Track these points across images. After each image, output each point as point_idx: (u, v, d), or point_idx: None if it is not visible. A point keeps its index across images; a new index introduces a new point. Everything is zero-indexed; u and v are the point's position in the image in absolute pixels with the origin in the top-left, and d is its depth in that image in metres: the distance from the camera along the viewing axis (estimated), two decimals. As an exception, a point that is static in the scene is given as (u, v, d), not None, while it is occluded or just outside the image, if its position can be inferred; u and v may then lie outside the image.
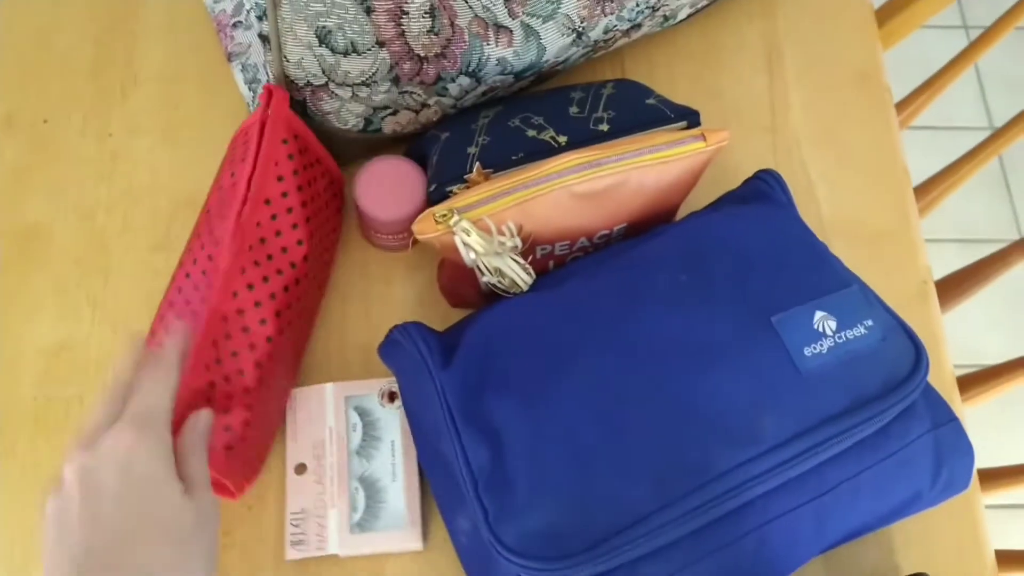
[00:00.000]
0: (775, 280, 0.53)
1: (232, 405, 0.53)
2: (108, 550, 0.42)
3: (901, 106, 0.93)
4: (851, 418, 0.49)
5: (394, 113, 0.61)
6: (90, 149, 0.68)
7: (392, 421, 0.59)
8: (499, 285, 0.54)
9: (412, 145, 0.65)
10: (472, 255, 0.53)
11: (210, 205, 0.59)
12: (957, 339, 1.52)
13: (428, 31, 0.57)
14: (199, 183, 0.67)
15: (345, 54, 0.56)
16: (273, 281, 0.56)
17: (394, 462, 0.58)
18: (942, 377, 0.64)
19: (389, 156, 0.62)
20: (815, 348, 0.50)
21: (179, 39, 0.72)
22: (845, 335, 0.51)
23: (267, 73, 0.65)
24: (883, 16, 0.92)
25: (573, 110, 0.62)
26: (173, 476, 0.45)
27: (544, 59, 0.61)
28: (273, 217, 0.56)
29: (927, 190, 0.90)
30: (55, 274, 0.64)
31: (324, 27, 0.55)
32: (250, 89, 0.68)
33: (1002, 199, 1.65)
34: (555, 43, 0.61)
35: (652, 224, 0.60)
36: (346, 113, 0.60)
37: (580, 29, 0.61)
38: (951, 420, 0.53)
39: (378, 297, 0.65)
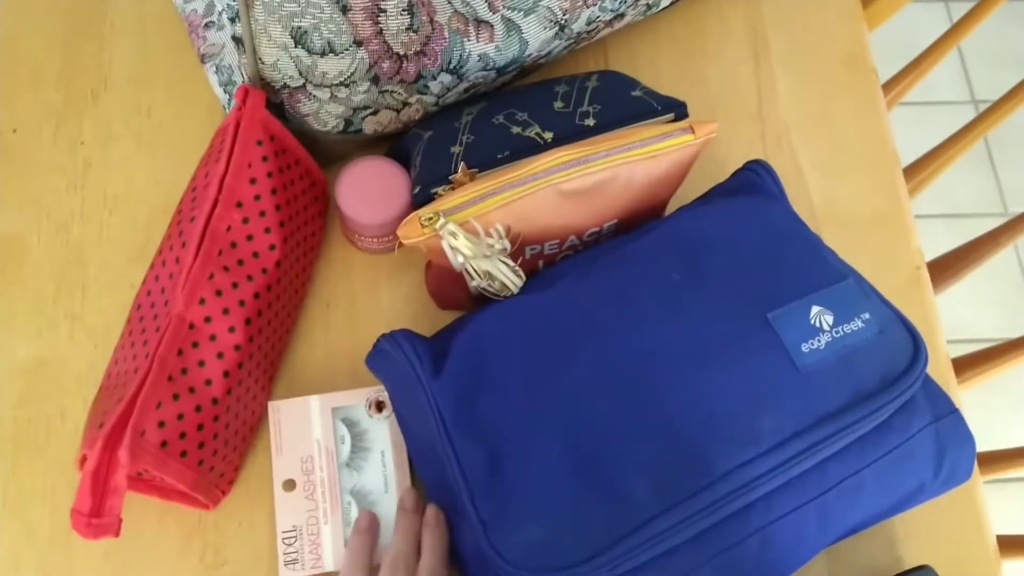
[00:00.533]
0: (770, 275, 0.52)
1: (201, 417, 0.52)
2: None
3: (887, 87, 0.92)
4: (851, 414, 0.48)
5: (374, 113, 0.60)
6: (62, 158, 0.66)
7: (381, 431, 0.57)
8: (489, 288, 0.53)
9: (394, 144, 0.63)
10: (460, 259, 0.52)
11: (183, 205, 0.57)
12: (942, 313, 1.52)
13: (407, 28, 0.55)
14: (176, 189, 0.65)
15: (322, 55, 0.55)
16: (243, 287, 0.54)
17: (386, 473, 0.57)
18: (938, 362, 0.64)
19: (370, 157, 0.60)
20: (813, 344, 0.49)
21: (149, 40, 0.70)
22: (842, 329, 0.50)
23: (242, 75, 0.63)
24: (867, -4, 0.91)
25: (558, 105, 0.60)
26: None
27: (527, 53, 0.60)
28: (245, 221, 0.55)
29: (916, 171, 0.89)
30: (31, 288, 0.63)
31: (299, 28, 0.53)
32: (225, 91, 0.66)
33: (986, 173, 1.65)
34: (537, 37, 0.59)
35: (642, 219, 0.59)
36: (325, 115, 0.59)
37: (562, 22, 0.59)
38: (952, 412, 0.53)
39: (363, 301, 0.63)
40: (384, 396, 0.58)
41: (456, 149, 0.57)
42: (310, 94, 0.57)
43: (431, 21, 0.55)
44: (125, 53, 0.70)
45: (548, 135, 0.58)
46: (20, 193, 0.65)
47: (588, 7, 0.60)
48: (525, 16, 0.58)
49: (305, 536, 0.55)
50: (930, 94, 1.70)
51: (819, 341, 0.49)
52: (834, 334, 0.50)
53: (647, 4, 0.65)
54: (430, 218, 0.51)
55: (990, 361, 0.77)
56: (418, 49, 0.56)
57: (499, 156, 0.57)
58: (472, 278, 0.52)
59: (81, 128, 0.67)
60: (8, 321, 0.62)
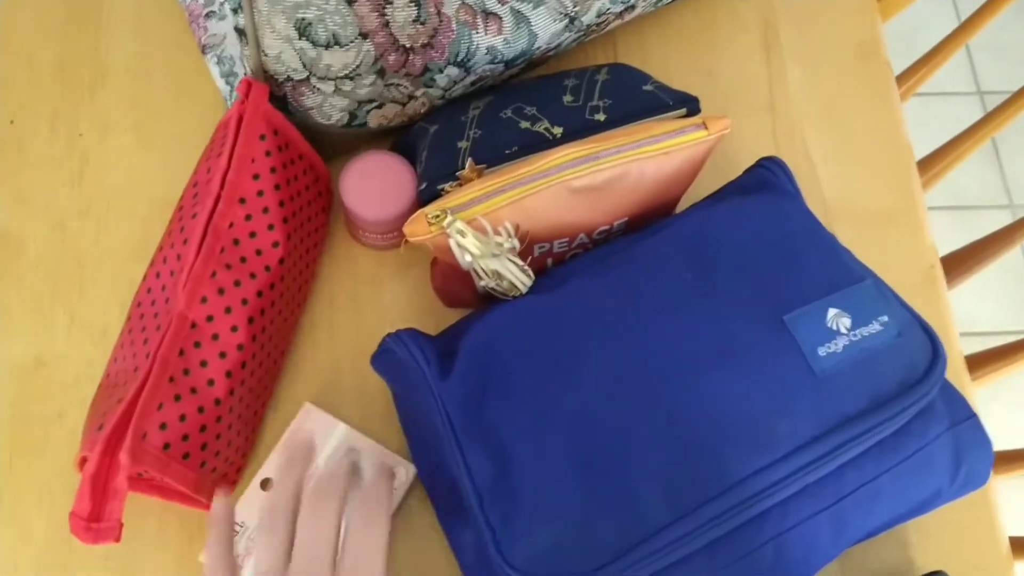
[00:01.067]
0: (785, 276, 0.50)
1: (203, 419, 0.51)
2: None
3: (900, 80, 0.91)
4: (869, 419, 0.47)
5: (380, 106, 0.58)
6: (60, 150, 0.65)
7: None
8: (497, 288, 0.52)
9: (399, 138, 0.62)
10: (468, 258, 0.50)
11: (184, 200, 0.56)
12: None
13: (414, 20, 0.54)
14: (177, 184, 0.64)
15: (327, 47, 0.53)
16: (246, 285, 0.53)
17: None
18: (952, 362, 0.63)
19: (375, 151, 0.59)
20: (830, 347, 0.48)
21: (148, 30, 0.69)
22: (860, 332, 0.49)
23: (244, 66, 0.62)
24: (879, -14, 0.90)
25: (567, 99, 0.59)
26: None
27: (535, 46, 0.58)
28: (248, 217, 0.54)
29: (928, 166, 0.88)
30: (28, 286, 0.61)
31: (304, 19, 0.52)
32: (227, 83, 0.64)
33: (991, 165, 1.64)
34: (547, 29, 0.58)
35: (653, 217, 0.57)
36: (329, 108, 0.57)
37: (572, 14, 0.58)
38: (969, 417, 0.51)
39: (368, 298, 0.62)
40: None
41: (463, 144, 0.56)
42: (314, 87, 0.55)
43: (438, 13, 0.54)
44: (123, 43, 0.68)
45: (557, 130, 0.56)
46: (16, 187, 0.64)
47: (599, -1, 0.58)
48: (535, 8, 0.56)
49: (244, 539, 0.53)
50: (935, 85, 1.69)
51: (836, 344, 0.48)
52: (852, 337, 0.49)
53: (658, -5, 0.64)
54: (437, 215, 0.50)
55: (1004, 359, 0.76)
56: (425, 42, 0.55)
57: (507, 151, 0.55)
58: (480, 277, 0.51)
59: (79, 120, 0.66)
60: (4, 319, 0.60)
